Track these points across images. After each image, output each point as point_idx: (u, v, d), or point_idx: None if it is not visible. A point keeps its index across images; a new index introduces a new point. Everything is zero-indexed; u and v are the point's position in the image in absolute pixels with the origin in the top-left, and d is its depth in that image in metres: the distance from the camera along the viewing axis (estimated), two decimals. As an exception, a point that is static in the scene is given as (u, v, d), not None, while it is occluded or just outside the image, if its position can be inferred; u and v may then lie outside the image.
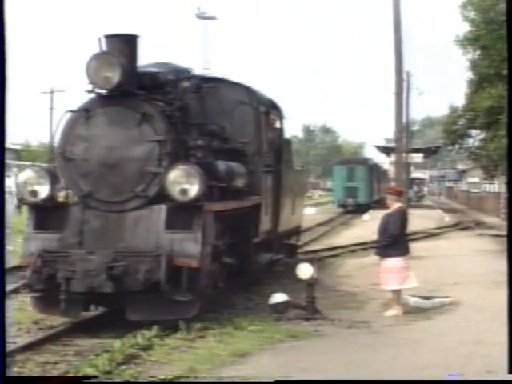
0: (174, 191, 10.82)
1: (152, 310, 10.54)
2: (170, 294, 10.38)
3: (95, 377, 7.62)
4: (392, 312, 12.62)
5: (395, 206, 13.03)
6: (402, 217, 12.97)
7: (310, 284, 12.41)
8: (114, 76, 10.94)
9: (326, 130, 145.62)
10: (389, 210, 13.06)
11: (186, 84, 12.42)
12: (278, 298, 12.21)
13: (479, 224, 37.47)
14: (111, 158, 11.07)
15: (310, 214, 45.07)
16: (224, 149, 13.40)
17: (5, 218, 5.28)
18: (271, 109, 15.99)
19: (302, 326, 11.66)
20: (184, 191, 10.79)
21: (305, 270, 12.39)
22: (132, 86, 11.29)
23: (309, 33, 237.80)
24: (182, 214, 10.83)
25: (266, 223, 14.69)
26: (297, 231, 19.57)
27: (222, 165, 12.50)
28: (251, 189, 13.69)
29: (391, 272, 12.68)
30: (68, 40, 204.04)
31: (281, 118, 17.01)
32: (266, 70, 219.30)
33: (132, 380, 8.04)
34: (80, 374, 8.05)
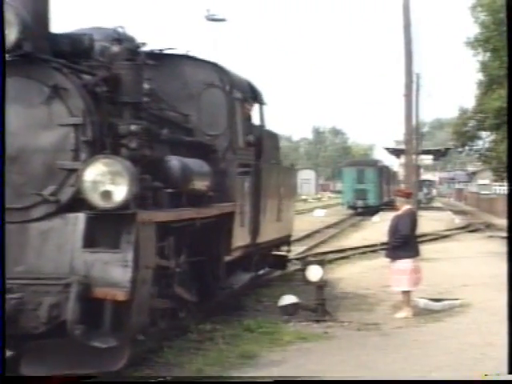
0: (94, 194, 7.79)
1: (58, 362, 7.68)
2: (83, 338, 7.36)
3: (95, 377, 7.46)
4: (402, 314, 12.59)
5: (404, 207, 13.02)
6: (411, 218, 12.96)
7: (320, 286, 12.40)
8: (10, 33, 7.94)
9: (336, 132, 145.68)
10: (398, 212, 13.04)
11: (115, 49, 9.02)
12: (288, 299, 12.19)
13: (489, 226, 37.38)
14: (9, 149, 7.67)
15: (319, 216, 45.19)
16: (185, 142, 10.91)
17: (4, 217, 5.16)
18: (249, 94, 13.44)
19: (312, 328, 11.64)
20: (107, 194, 7.76)
21: (314, 272, 12.37)
22: (42, 50, 8.36)
23: (319, 34, 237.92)
24: (107, 226, 7.86)
25: (242, 236, 12.21)
26: (286, 240, 16.97)
27: (174, 161, 9.67)
28: (221, 193, 11.16)
29: (401, 274, 12.64)
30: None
31: (261, 104, 14.29)
32: (275, 71, 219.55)
33: (132, 380, 7.98)
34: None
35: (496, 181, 52.67)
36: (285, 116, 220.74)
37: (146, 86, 9.68)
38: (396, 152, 60.79)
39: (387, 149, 68.69)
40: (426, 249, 22.70)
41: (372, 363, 9.22)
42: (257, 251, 13.82)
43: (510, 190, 7.37)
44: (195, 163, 10.36)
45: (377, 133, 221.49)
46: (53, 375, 6.02)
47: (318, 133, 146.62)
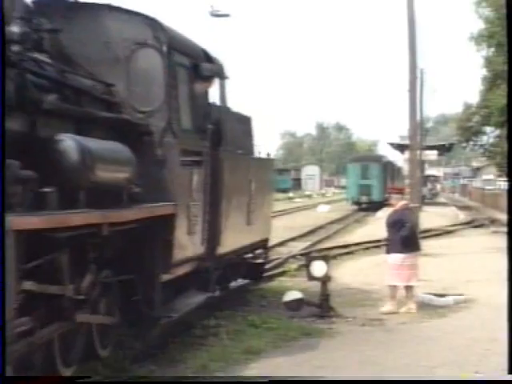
0: None
1: None
2: None
3: (90, 377, 7.41)
4: (387, 308, 12.58)
5: (400, 203, 13.03)
6: (411, 214, 13.06)
7: (324, 282, 12.40)
8: None
9: (340, 128, 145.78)
10: (395, 208, 13.04)
11: None
12: (292, 295, 12.19)
13: (494, 221, 37.33)
14: None
15: (323, 211, 45.20)
16: (101, 120, 8.29)
17: (4, 215, 4.99)
18: (202, 62, 10.31)
19: (316, 323, 11.65)
20: None
21: (319, 268, 12.37)
22: None
23: (323, 29, 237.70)
24: None
25: (189, 247, 9.51)
26: (263, 246, 14.27)
27: (68, 142, 6.99)
28: (155, 190, 8.52)
29: (396, 269, 12.64)
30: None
31: (221, 77, 11.11)
32: (279, 67, 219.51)
33: (132, 380, 7.97)
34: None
35: (500, 176, 52.75)
36: (289, 111, 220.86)
37: (15, 28, 6.99)
38: (400, 147, 60.69)
39: (391, 144, 68.60)
40: (430, 244, 22.77)
41: (376, 359, 9.22)
42: (218, 265, 11.02)
43: (511, 186, 7.34)
44: (108, 147, 7.68)
45: (381, 128, 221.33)
46: (52, 375, 5.94)
47: (322, 128, 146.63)
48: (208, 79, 10.30)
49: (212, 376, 8.29)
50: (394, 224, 12.75)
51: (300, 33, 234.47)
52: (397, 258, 12.60)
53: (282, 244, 23.99)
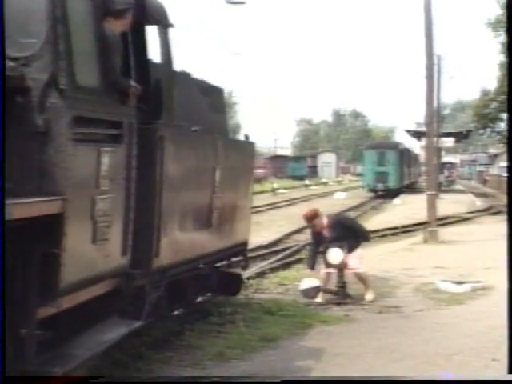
0: None
1: None
2: None
3: (98, 377, 7.42)
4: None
5: (323, 223, 12.80)
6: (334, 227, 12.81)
7: (341, 269, 12.38)
8: None
9: (356, 115, 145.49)
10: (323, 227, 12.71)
11: None
12: (309, 283, 12.19)
13: None
14: None
15: (340, 198, 45.17)
16: None
17: (4, 213, 4.91)
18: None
19: (333, 310, 11.65)
20: None
21: (335, 255, 12.34)
22: None
23: (340, 16, 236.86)
24: None
25: (97, 260, 6.48)
26: (241, 251, 11.55)
27: None
28: (32, 178, 5.76)
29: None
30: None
31: (164, 27, 8.15)
32: (296, 54, 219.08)
33: (133, 381, 7.96)
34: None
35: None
36: (305, 98, 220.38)
37: None
38: (417, 134, 60.49)
39: (408, 131, 68.40)
40: (447, 231, 22.73)
41: (393, 346, 9.21)
42: (158, 281, 8.02)
43: (510, 184, 7.20)
44: None
45: (398, 115, 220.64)
46: (54, 375, 5.91)
47: (338, 115, 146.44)
48: (121, 15, 6.99)
49: (218, 376, 8.25)
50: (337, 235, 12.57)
51: (317, 19, 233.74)
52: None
53: (299, 231, 23.98)
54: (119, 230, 6.83)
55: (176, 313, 10.04)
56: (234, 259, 11.42)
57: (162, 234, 7.72)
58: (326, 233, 12.62)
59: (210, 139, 9.50)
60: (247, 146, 11.81)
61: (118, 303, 7.25)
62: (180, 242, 8.30)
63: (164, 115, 7.79)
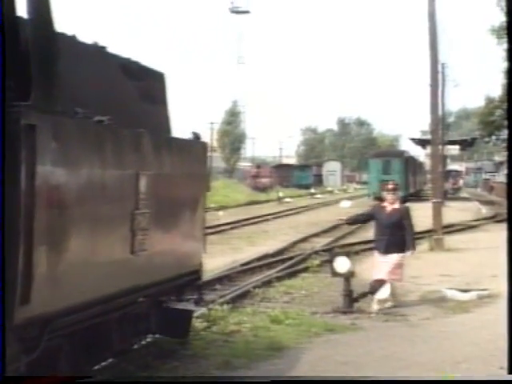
0: None
1: None
2: None
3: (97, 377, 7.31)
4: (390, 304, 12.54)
5: (396, 201, 12.86)
6: (408, 211, 12.87)
7: (347, 278, 12.36)
8: None
9: (361, 123, 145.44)
10: (394, 206, 12.76)
11: None
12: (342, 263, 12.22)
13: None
14: None
15: (345, 207, 45.15)
16: None
17: (4, 216, 4.86)
18: None
19: (339, 319, 11.62)
20: None
21: (342, 264, 12.32)
22: None
23: (345, 24, 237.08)
24: None
25: None
26: (191, 282, 8.95)
27: None
28: None
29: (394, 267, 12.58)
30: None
31: None
32: (300, 62, 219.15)
33: (133, 381, 7.94)
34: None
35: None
36: (310, 107, 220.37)
37: None
38: (422, 142, 60.49)
39: (413, 139, 68.39)
40: (453, 239, 22.66)
41: (400, 354, 9.17)
42: (30, 341, 5.59)
43: (510, 187, 7.18)
44: None
45: (403, 123, 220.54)
46: (52, 375, 5.87)
47: (343, 124, 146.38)
48: None
49: (211, 376, 8.23)
50: (394, 223, 12.60)
51: (322, 28, 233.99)
52: (397, 257, 12.50)
53: (304, 240, 23.95)
54: None
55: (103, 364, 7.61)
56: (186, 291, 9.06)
57: (37, 269, 5.35)
58: (390, 210, 12.67)
59: (131, 136, 7.13)
60: (196, 147, 9.05)
61: None
62: (76, 278, 6.03)
63: (36, 95, 5.46)
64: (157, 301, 8.44)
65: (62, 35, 6.35)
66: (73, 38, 6.70)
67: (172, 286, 8.42)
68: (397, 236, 12.46)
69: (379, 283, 12.37)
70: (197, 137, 9.01)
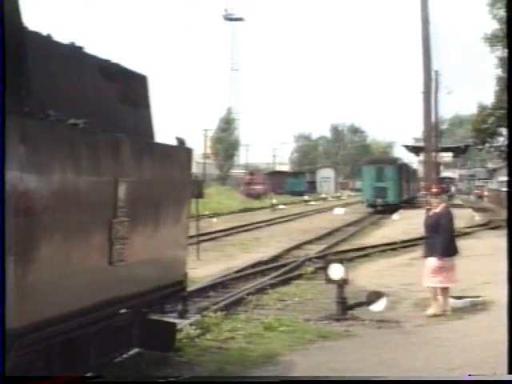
0: None
1: None
2: None
3: (96, 377, 7.28)
4: (431, 311, 12.52)
5: (441, 205, 12.94)
6: (450, 215, 12.96)
7: (341, 285, 12.36)
8: None
9: (355, 130, 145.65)
10: (436, 210, 12.88)
11: None
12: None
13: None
14: None
15: (339, 214, 45.13)
16: None
17: (4, 216, 4.87)
18: None
19: (333, 326, 11.61)
20: None
21: (336, 271, 12.33)
22: None
23: (338, 32, 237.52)
24: None
25: None
26: (175, 293, 8.67)
27: None
28: None
29: (436, 271, 12.59)
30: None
31: None
32: (293, 70, 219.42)
33: (133, 381, 7.93)
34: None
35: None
36: (303, 114, 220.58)
37: None
38: (415, 149, 60.65)
39: (406, 146, 68.55)
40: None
41: (393, 361, 9.18)
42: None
43: (510, 191, 7.21)
44: None
45: (396, 130, 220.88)
46: (53, 375, 5.86)
47: (336, 131, 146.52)
48: None
49: (219, 376, 8.23)
50: (436, 226, 12.64)
51: (315, 35, 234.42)
52: (438, 260, 12.52)
53: (298, 247, 23.95)
54: None
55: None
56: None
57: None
58: (433, 213, 12.77)
59: (108, 140, 6.86)
60: (180, 153, 8.71)
61: None
62: (48, 290, 5.82)
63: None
64: (138, 313, 8.13)
65: (35, 34, 6.20)
66: (47, 38, 6.48)
67: (154, 297, 8.09)
68: (434, 240, 12.62)
69: (434, 290, 12.60)
70: (181, 142, 8.76)
